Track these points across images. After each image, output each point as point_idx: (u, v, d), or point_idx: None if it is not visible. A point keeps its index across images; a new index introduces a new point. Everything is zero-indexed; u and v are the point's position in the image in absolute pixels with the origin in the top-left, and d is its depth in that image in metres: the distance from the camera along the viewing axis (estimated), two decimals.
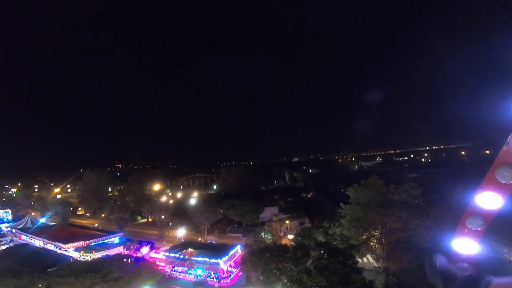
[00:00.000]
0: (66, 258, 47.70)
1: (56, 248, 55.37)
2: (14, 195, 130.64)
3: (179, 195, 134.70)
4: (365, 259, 42.63)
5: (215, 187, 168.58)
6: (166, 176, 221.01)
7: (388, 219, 34.93)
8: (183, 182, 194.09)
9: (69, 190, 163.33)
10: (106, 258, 38.84)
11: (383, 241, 36.46)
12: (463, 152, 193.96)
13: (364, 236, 38.12)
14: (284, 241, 52.71)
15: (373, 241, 38.35)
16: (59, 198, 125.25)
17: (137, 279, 36.02)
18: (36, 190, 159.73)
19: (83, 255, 50.86)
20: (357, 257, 38.06)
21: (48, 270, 40.53)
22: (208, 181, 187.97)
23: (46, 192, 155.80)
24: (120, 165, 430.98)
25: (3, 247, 54.38)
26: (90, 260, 43.04)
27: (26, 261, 43.65)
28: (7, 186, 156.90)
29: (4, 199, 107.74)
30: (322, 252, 35.03)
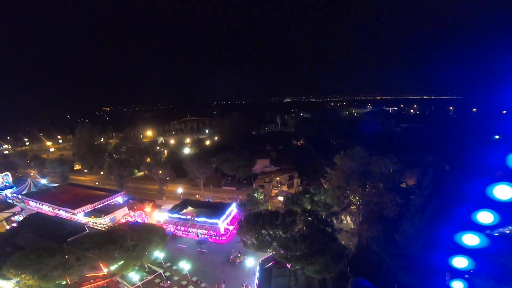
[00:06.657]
0: (80, 225, 52.33)
1: (66, 213, 60.05)
2: (7, 152, 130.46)
3: (172, 141, 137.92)
4: (344, 221, 48.89)
5: (207, 131, 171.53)
6: (157, 119, 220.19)
7: (367, 191, 39.21)
8: (175, 126, 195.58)
9: (60, 141, 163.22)
10: (120, 227, 43.01)
11: (361, 208, 41.50)
12: (451, 107, 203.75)
13: (346, 202, 42.90)
14: (275, 201, 58.26)
15: (352, 207, 43.43)
16: (53, 154, 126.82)
17: (149, 245, 41.25)
18: (27, 143, 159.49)
19: (93, 220, 55.98)
20: (336, 222, 43.92)
21: (68, 239, 45.31)
22: (200, 124, 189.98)
23: (37, 145, 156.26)
24: (108, 109, 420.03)
25: (16, 217, 58.33)
26: (106, 230, 47.52)
27: (45, 232, 47.89)
28: None
29: None
30: (308, 219, 40.13)
